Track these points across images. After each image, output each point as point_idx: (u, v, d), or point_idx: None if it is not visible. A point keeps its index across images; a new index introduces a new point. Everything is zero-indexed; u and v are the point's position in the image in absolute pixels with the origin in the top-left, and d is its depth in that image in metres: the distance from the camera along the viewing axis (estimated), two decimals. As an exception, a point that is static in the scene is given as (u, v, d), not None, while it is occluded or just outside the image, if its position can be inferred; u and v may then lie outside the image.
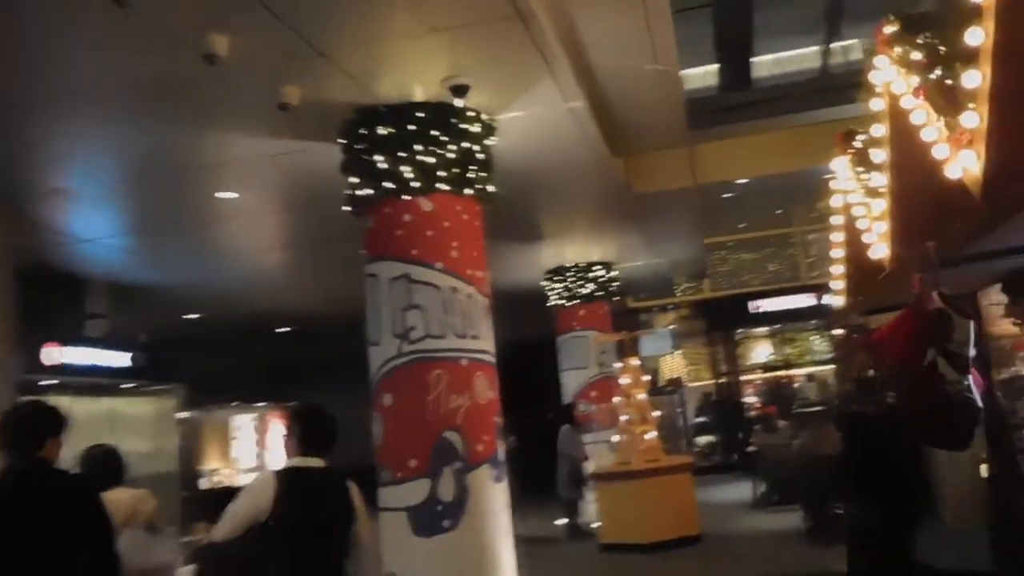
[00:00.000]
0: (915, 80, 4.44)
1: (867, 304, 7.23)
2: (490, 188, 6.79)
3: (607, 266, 13.30)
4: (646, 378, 11.09)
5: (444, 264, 6.29)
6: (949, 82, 4.16)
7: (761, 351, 17.78)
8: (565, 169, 8.22)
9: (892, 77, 4.85)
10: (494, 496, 6.21)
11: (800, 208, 17.30)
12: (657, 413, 10.88)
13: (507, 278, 13.44)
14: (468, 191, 6.51)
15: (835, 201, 7.17)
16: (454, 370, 6.16)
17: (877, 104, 5.19)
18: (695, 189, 9.83)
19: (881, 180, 5.50)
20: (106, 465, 4.64)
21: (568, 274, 13.16)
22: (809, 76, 11.08)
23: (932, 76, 4.29)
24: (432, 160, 6.30)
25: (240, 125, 6.50)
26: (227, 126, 6.52)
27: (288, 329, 16.04)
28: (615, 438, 10.98)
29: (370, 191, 6.41)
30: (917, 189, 5.06)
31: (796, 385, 17.17)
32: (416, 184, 6.29)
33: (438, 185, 6.33)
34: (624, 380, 10.86)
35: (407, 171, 6.28)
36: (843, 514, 5.60)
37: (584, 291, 13.11)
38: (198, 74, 5.20)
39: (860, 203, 6.27)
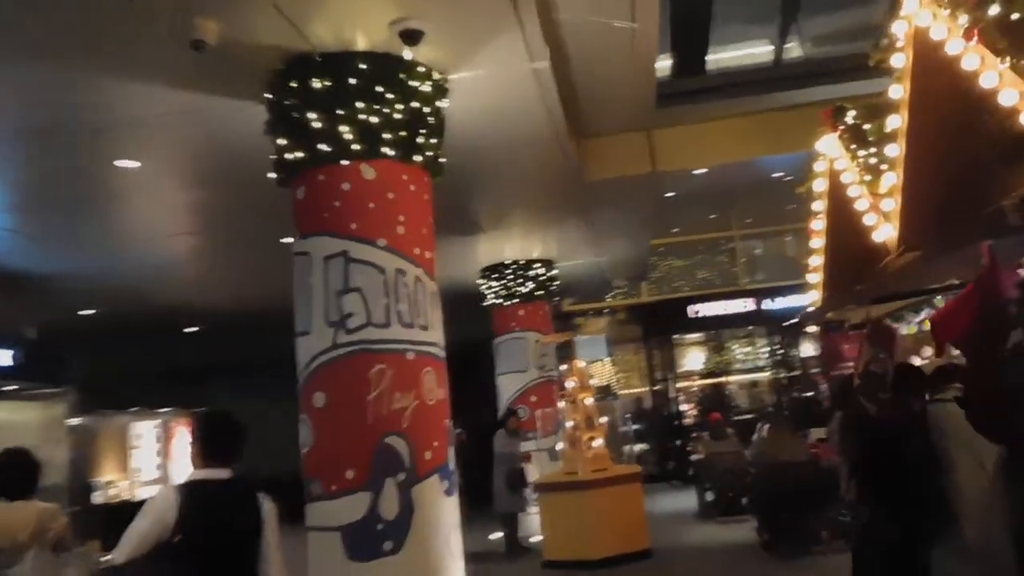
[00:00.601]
0: (963, 20, 3.80)
1: (846, 300, 6.63)
2: (441, 158, 5.92)
3: (548, 264, 12.54)
4: (593, 381, 10.34)
5: (388, 241, 5.37)
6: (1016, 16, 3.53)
7: (698, 357, 17.31)
8: (518, 146, 7.39)
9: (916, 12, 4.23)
10: (444, 512, 5.31)
11: (741, 211, 16.99)
12: (604, 419, 10.14)
13: (439, 275, 12.56)
14: (417, 158, 5.62)
15: (817, 185, 6.57)
16: (399, 364, 5.24)
17: (899, 60, 4.55)
18: (652, 177, 9.14)
19: (893, 151, 4.88)
20: (12, 471, 4.19)
21: (507, 272, 12.35)
22: (764, 66, 10.58)
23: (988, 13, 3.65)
24: (375, 120, 5.39)
25: (144, 72, 5.44)
26: (128, 73, 5.45)
27: (197, 328, 14.72)
28: (559, 446, 10.19)
29: (301, 155, 5.45)
30: (940, 158, 4.43)
31: (732, 391, 16.76)
32: (356, 147, 5.36)
33: (382, 150, 5.42)
34: (570, 383, 10.08)
35: (346, 132, 5.34)
36: (852, 525, 4.98)
37: (523, 290, 12.31)
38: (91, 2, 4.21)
39: (856, 182, 5.66)
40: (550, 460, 11.87)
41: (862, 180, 5.46)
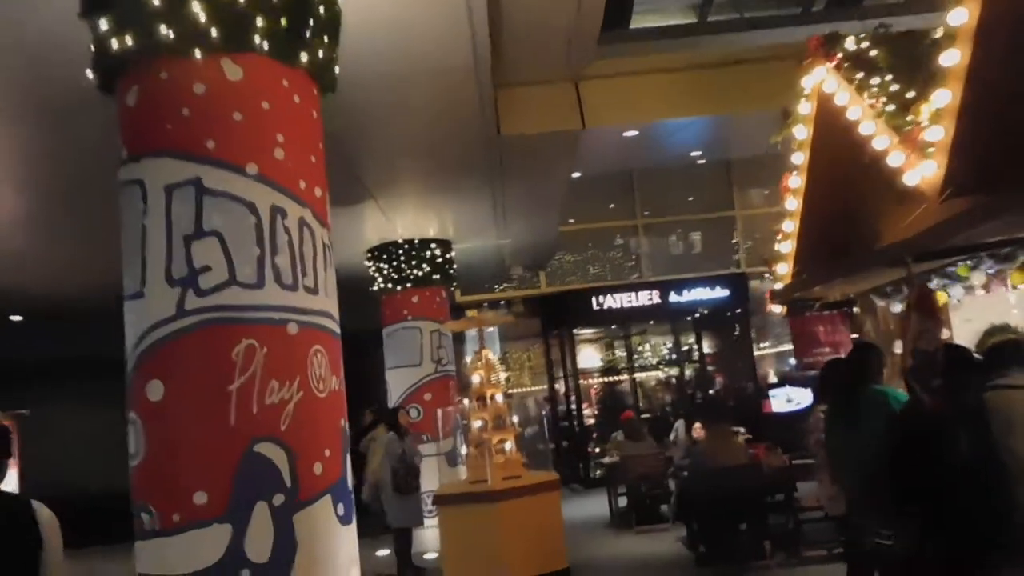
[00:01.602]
0: None
1: (831, 272, 5.53)
2: (334, 66, 4.40)
3: (445, 245, 11.09)
4: (503, 375, 8.96)
5: (261, 168, 3.80)
6: None
7: (601, 353, 16.22)
8: (426, 78, 5.94)
9: None
10: (339, 547, 3.79)
11: (646, 199, 16.06)
12: (516, 419, 8.77)
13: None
14: (302, 59, 4.07)
15: (798, 132, 5.43)
16: (276, 341, 3.69)
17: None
18: (576, 137, 7.85)
19: (950, 59, 3.73)
20: None
21: (399, 252, 10.82)
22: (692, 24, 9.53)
23: None
24: (243, -1, 3.82)
25: None
26: None
27: (21, 318, 12.40)
28: (464, 450, 8.77)
29: (133, 43, 3.81)
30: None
31: (638, 389, 15.76)
32: (215, 35, 3.77)
33: (254, 40, 3.85)
34: (476, 377, 8.66)
35: (199, 11, 3.75)
36: (893, 549, 3.86)
37: (418, 273, 10.81)
38: None
39: (871, 117, 4.51)
40: (449, 466, 10.43)
41: (881, 113, 4.31)
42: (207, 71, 3.79)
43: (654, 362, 16.01)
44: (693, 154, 13.45)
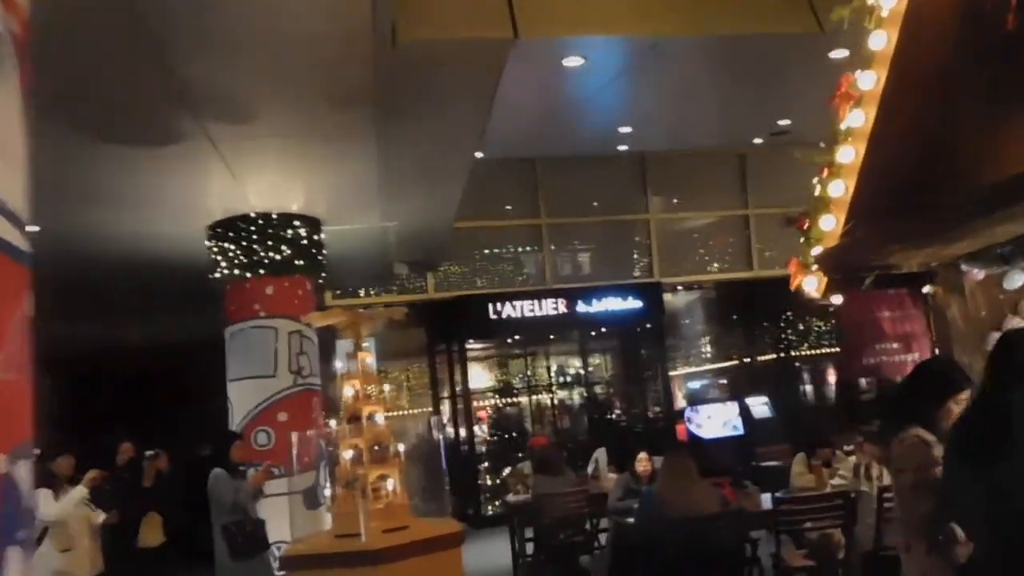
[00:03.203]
0: None
1: (891, 234, 3.56)
2: None
3: (313, 224, 8.66)
4: (384, 388, 6.58)
5: None
6: None
7: (496, 370, 13.99)
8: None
9: None
10: None
11: (550, 195, 14.08)
12: (400, 447, 6.40)
13: (132, 229, 8.29)
14: None
15: (874, 41, 3.44)
16: None
17: None
18: (506, 50, 5.65)
19: None
20: None
21: (250, 229, 8.32)
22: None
23: None
24: None
25: None
26: None
27: None
28: (327, 492, 6.36)
29: None
30: None
31: (537, 411, 13.63)
32: None
33: None
34: (348, 390, 6.29)
35: None
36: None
37: (275, 257, 8.34)
38: None
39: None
40: (308, 509, 7.94)
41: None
42: None
43: (560, 381, 13.93)
44: (622, 130, 11.50)
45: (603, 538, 8.37)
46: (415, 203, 8.70)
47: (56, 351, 10.91)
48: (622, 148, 12.90)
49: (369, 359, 6.37)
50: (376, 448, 6.16)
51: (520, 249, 14.45)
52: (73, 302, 10.46)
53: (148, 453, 6.65)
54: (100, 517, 6.34)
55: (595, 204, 14.58)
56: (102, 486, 6.14)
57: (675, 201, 15.11)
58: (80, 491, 5.99)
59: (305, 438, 7.51)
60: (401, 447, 6.31)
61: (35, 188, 1.43)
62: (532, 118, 10.36)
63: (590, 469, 9.27)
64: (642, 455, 7.02)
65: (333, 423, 6.46)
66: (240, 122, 5.94)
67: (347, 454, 6.15)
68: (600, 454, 9.28)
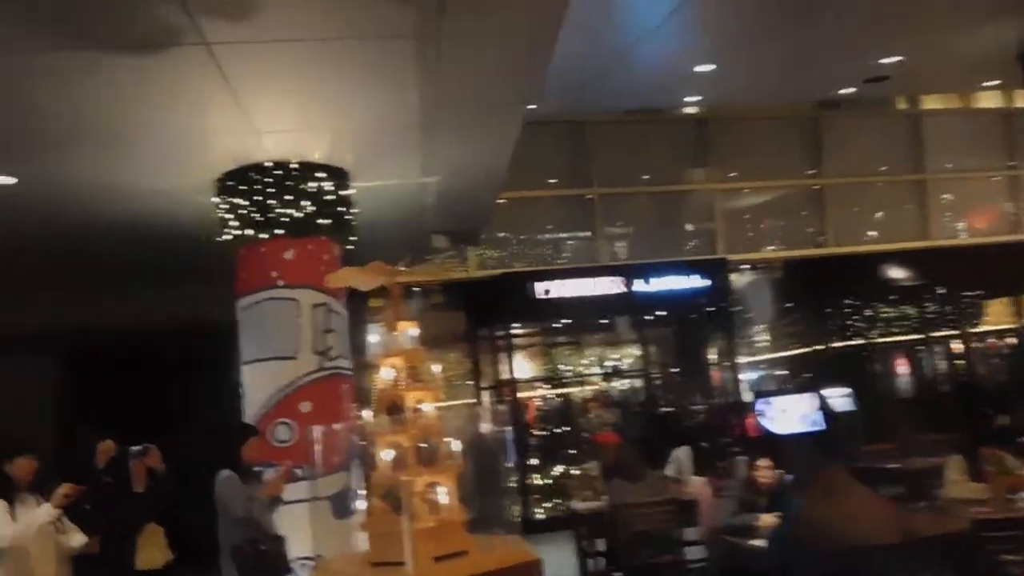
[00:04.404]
0: None
1: None
2: None
3: (340, 176, 7.24)
4: (437, 369, 5.12)
5: None
6: None
7: (546, 357, 12.48)
8: None
9: None
10: None
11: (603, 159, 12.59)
12: (456, 446, 4.94)
13: (122, 180, 6.93)
14: None
15: None
16: None
17: None
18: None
19: None
20: None
21: (266, 181, 6.91)
22: None
23: None
24: None
25: None
26: None
27: None
28: (360, 504, 4.92)
29: None
30: None
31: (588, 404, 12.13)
32: None
33: None
34: (386, 373, 4.86)
35: None
36: None
37: (295, 215, 6.92)
38: None
39: None
40: (336, 518, 6.56)
41: None
42: None
43: (613, 368, 12.42)
44: (686, 80, 9.94)
45: (689, 552, 6.90)
46: (463, 150, 7.23)
47: (23, 327, 9.65)
48: (683, 106, 11.44)
49: (413, 330, 4.94)
50: (425, 448, 4.73)
51: (568, 223, 13.01)
52: (49, 271, 9.17)
53: (133, 449, 5.24)
54: (74, 539, 4.93)
55: (650, 173, 13.11)
56: (78, 502, 4.72)
57: (735, 173, 13.59)
58: (46, 512, 4.58)
59: (333, 432, 6.11)
60: (456, 445, 4.88)
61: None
62: (585, 69, 8.87)
63: (668, 471, 7.80)
64: (763, 462, 5.51)
65: (367, 414, 5.03)
66: (240, 18, 4.49)
67: (386, 455, 4.73)
68: (682, 454, 7.81)
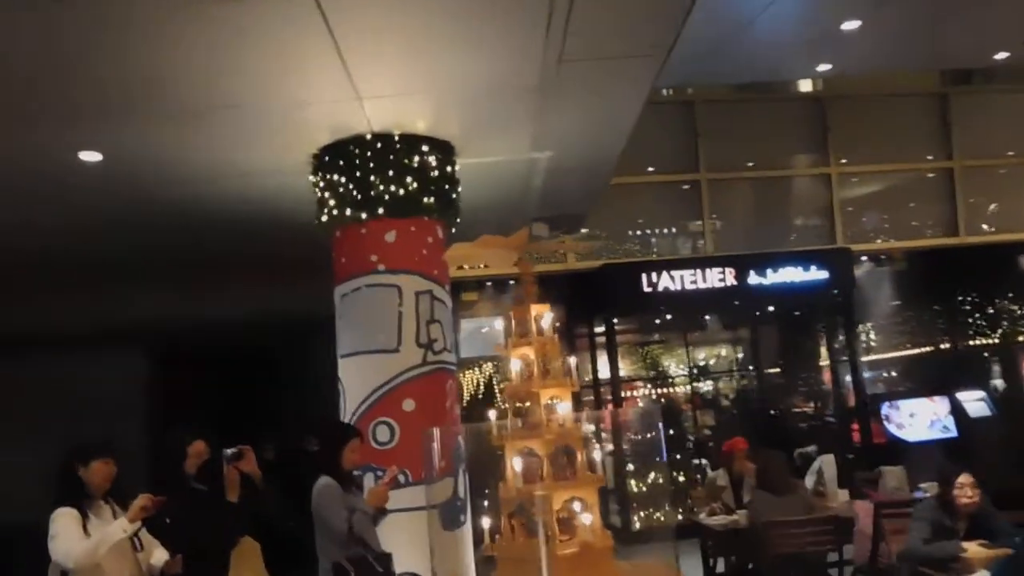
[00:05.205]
0: None
1: None
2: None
3: (445, 150, 6.57)
4: (571, 361, 4.39)
5: None
6: None
7: (648, 354, 11.67)
8: None
9: None
10: None
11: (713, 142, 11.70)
12: (597, 455, 4.18)
13: (216, 156, 6.41)
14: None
15: None
16: None
17: None
18: None
19: None
20: None
21: (366, 155, 6.28)
22: None
23: None
24: None
25: None
26: None
27: None
28: (487, 520, 4.22)
29: None
30: None
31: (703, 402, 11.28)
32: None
33: None
34: (516, 365, 4.15)
35: None
36: None
37: (397, 192, 6.28)
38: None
39: None
40: (445, 528, 5.90)
41: None
42: None
43: (724, 367, 11.53)
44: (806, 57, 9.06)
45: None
46: (582, 120, 6.47)
47: (110, 321, 9.24)
48: (812, 75, 10.47)
49: (549, 315, 4.21)
50: (560, 457, 4.00)
51: (672, 211, 12.14)
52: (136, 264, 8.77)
53: (227, 452, 4.63)
54: (155, 556, 4.34)
55: (761, 157, 12.14)
56: (158, 516, 4.11)
57: (853, 156, 12.48)
58: (120, 527, 3.99)
59: (442, 434, 5.44)
60: (597, 453, 4.13)
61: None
62: (720, 29, 8.02)
63: (809, 482, 6.89)
64: (964, 478, 4.58)
65: (492, 415, 4.31)
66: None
67: (516, 463, 4.01)
68: (825, 464, 6.89)
